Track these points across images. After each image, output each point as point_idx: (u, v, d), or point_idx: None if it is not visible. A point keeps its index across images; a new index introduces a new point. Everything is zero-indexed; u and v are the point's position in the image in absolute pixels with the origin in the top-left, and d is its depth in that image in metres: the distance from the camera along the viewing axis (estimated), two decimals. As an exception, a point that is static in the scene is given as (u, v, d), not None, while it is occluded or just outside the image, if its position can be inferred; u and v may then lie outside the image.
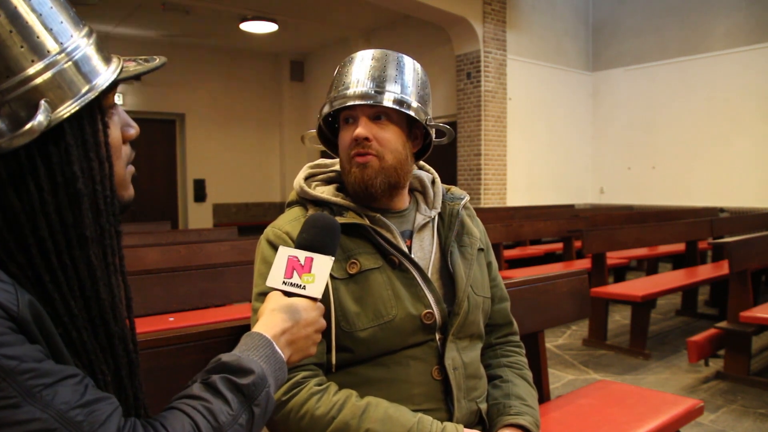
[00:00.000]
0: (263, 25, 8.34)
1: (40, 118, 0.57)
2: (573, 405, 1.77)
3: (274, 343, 0.75)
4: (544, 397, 1.83)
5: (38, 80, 0.59)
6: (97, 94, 0.62)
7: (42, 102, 0.58)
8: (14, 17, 0.58)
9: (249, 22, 8.20)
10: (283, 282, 0.82)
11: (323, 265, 0.83)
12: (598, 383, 1.97)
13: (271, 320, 0.78)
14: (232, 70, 10.21)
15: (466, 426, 1.12)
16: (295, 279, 0.82)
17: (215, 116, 10.06)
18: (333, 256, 0.85)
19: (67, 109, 0.60)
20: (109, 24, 8.25)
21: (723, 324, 3.23)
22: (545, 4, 8.11)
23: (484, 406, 1.19)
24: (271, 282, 0.83)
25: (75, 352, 0.62)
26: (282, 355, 0.76)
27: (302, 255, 0.83)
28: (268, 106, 10.74)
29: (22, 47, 0.58)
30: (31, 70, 0.59)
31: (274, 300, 0.81)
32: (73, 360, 0.61)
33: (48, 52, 0.60)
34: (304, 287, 0.82)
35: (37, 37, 0.59)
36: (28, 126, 0.57)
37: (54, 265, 0.61)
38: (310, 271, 0.83)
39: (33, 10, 0.59)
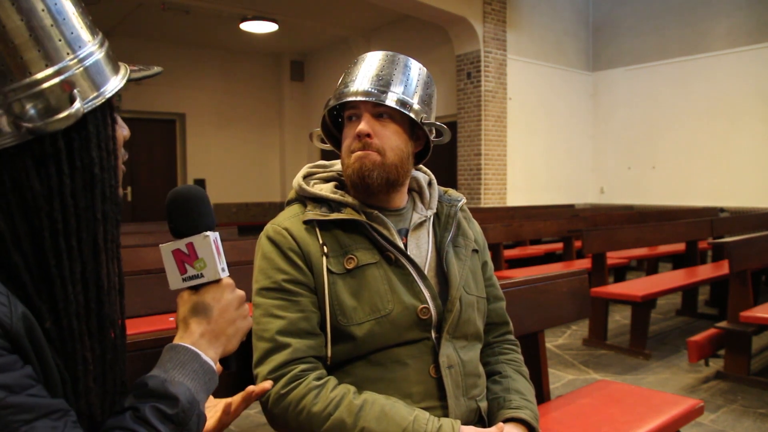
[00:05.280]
0: (263, 25, 8.34)
1: (78, 106, 0.63)
2: (573, 405, 1.77)
3: (199, 354, 0.74)
4: (544, 397, 1.83)
5: (46, 84, 0.62)
6: (103, 100, 0.67)
7: (75, 92, 0.63)
8: (37, 21, 0.62)
9: (249, 22, 8.20)
10: (183, 280, 0.79)
11: (204, 244, 0.78)
12: (598, 383, 1.97)
13: (186, 329, 0.77)
14: (232, 70, 10.22)
15: (465, 424, 1.12)
16: (190, 271, 0.78)
17: (215, 116, 10.07)
18: (210, 228, 0.80)
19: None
20: (109, 24, 8.25)
21: (723, 324, 3.23)
22: (545, 4, 8.11)
23: (483, 405, 1.20)
24: (172, 285, 0.80)
25: (61, 344, 0.63)
26: (210, 364, 0.75)
27: (182, 244, 0.79)
28: (268, 106, 10.74)
29: (39, 50, 0.62)
30: (40, 75, 0.62)
31: (182, 304, 0.79)
32: (56, 359, 0.62)
33: (63, 57, 0.63)
34: (201, 275, 0.78)
35: (58, 41, 0.63)
36: (65, 113, 0.62)
37: (61, 247, 0.63)
38: (198, 257, 0.79)
39: (53, 16, 0.63)
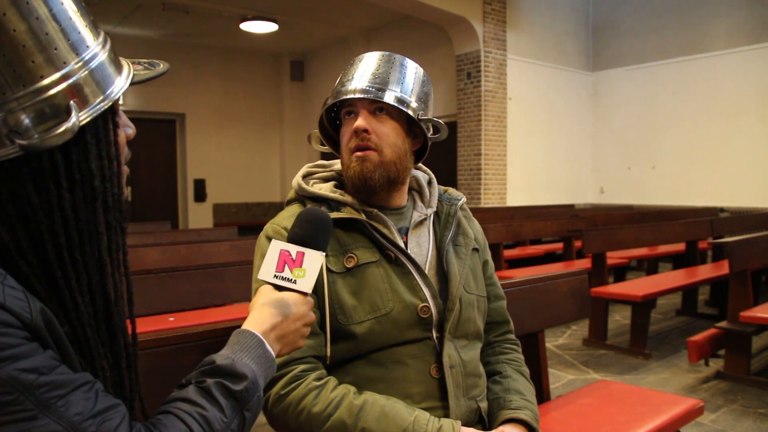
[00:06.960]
0: (263, 25, 8.34)
1: (74, 119, 0.60)
2: (573, 405, 1.78)
3: (265, 342, 0.76)
4: (544, 397, 1.83)
5: (52, 92, 0.60)
6: (110, 103, 0.65)
7: (72, 103, 0.61)
8: (34, 29, 0.59)
9: (249, 22, 8.20)
10: (275, 276, 0.83)
11: (314, 260, 0.84)
12: (598, 383, 1.97)
13: (261, 315, 0.79)
14: (232, 70, 10.21)
15: (466, 424, 1.12)
16: (287, 273, 0.83)
17: (215, 116, 10.06)
18: (324, 251, 0.86)
19: (83, 116, 0.63)
20: (109, 24, 8.25)
21: (723, 324, 3.23)
22: (545, 4, 8.11)
23: (483, 405, 1.20)
24: (262, 275, 0.83)
25: (79, 349, 0.64)
26: (272, 352, 0.77)
27: (294, 249, 0.84)
28: (268, 106, 10.74)
29: (34, 61, 0.59)
30: (45, 81, 0.60)
31: (265, 294, 0.82)
32: (77, 357, 0.63)
33: (65, 63, 0.62)
34: (294, 281, 0.82)
35: (56, 49, 0.61)
36: (62, 128, 0.59)
37: (66, 261, 0.62)
38: (301, 266, 0.83)
39: (54, 20, 0.61)
